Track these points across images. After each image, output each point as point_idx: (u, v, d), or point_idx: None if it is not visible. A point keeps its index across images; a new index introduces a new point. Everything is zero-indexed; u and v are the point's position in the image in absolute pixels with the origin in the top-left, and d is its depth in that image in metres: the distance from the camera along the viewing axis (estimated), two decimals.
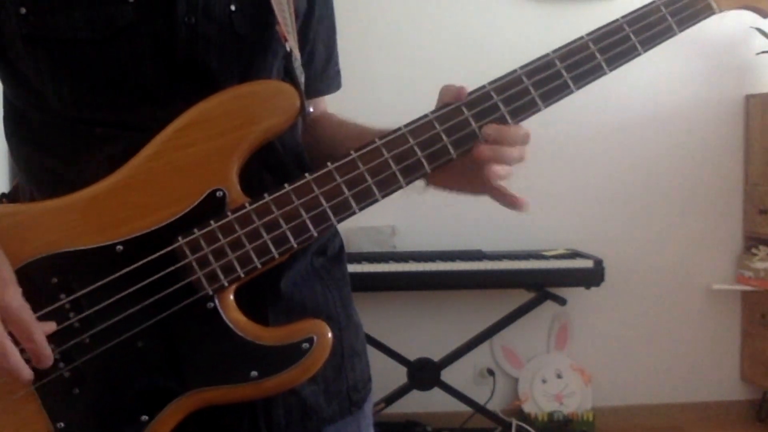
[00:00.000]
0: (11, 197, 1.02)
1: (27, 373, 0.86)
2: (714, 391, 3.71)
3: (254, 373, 0.90)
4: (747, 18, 4.05)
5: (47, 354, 0.87)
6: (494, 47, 3.43)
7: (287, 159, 1.02)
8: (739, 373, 3.73)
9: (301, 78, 1.00)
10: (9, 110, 1.02)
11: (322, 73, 1.15)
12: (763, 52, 3.54)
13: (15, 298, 0.86)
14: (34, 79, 0.96)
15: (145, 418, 0.89)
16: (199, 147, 0.92)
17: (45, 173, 0.98)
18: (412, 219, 3.44)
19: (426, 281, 3.21)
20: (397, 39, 3.49)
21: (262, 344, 0.91)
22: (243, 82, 0.96)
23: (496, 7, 3.54)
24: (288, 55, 0.99)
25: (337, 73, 1.18)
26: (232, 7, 0.96)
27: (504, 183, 0.99)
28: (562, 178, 3.58)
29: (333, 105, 1.21)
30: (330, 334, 0.92)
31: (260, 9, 0.98)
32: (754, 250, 3.59)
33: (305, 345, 0.91)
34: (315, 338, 0.91)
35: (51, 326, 0.88)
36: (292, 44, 0.99)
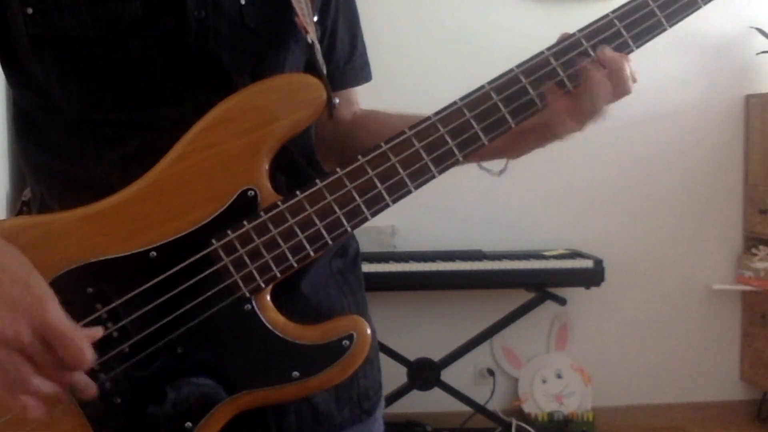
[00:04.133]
0: (29, 204, 1.01)
1: (92, 386, 0.84)
2: (714, 391, 3.71)
3: (296, 374, 0.89)
4: (747, 18, 4.05)
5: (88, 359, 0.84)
6: (494, 47, 3.43)
7: (299, 158, 1.01)
8: (739, 373, 3.73)
9: (324, 69, 0.98)
10: (17, 113, 1.01)
11: (347, 63, 1.12)
12: (763, 52, 3.54)
13: (59, 314, 0.81)
14: (42, 80, 0.95)
15: (189, 425, 0.88)
16: (226, 146, 0.90)
17: (55, 175, 0.97)
18: (412, 219, 3.43)
19: (426, 281, 3.21)
20: (397, 39, 3.48)
21: (301, 343, 0.90)
22: (254, 78, 0.95)
23: (497, 7, 3.54)
24: (310, 47, 0.97)
25: (365, 64, 1.15)
26: (243, 0, 0.95)
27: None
28: (562, 178, 3.58)
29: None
30: (369, 330, 0.91)
31: (273, 0, 0.97)
32: (754, 250, 3.59)
33: (345, 342, 0.90)
34: (354, 335, 0.90)
35: (98, 332, 0.85)
36: (312, 36, 0.97)
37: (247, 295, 0.89)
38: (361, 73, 1.15)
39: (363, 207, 0.91)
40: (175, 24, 0.93)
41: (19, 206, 1.02)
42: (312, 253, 0.90)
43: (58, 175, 0.97)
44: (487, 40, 3.49)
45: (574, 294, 3.41)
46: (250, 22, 0.96)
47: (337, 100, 0.96)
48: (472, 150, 0.94)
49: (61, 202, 0.94)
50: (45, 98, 0.96)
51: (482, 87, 0.94)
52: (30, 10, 0.92)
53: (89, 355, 0.83)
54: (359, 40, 1.14)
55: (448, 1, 3.52)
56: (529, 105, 0.95)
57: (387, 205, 0.92)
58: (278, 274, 0.90)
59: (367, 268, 3.12)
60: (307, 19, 0.97)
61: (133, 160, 0.92)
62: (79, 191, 0.92)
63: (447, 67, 3.43)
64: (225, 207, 0.90)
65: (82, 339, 0.83)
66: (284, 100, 0.92)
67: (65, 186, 0.96)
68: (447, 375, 3.33)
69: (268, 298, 0.91)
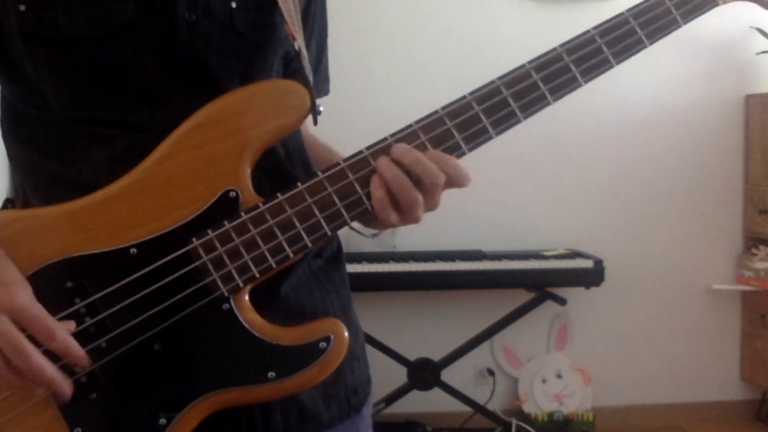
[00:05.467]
0: (14, 203, 1.01)
1: (51, 371, 0.85)
2: (714, 391, 3.71)
3: (272, 374, 0.90)
4: (747, 18, 4.04)
5: (77, 352, 0.86)
6: (494, 47, 3.43)
7: (288, 162, 1.01)
8: (739, 373, 3.73)
9: (310, 77, 0.99)
10: (7, 110, 1.01)
11: (312, 76, 1.13)
12: (763, 52, 3.54)
13: (26, 299, 0.84)
14: (33, 77, 0.95)
15: (163, 421, 0.89)
16: (210, 148, 0.91)
17: (42, 174, 0.97)
18: None
19: (426, 281, 3.21)
20: (397, 39, 3.49)
21: (278, 344, 0.90)
22: (244, 81, 0.96)
23: (496, 7, 3.54)
24: (297, 54, 0.98)
25: (326, 78, 1.17)
26: (234, 4, 0.96)
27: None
28: (562, 178, 3.58)
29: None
30: (346, 333, 0.92)
31: (263, 6, 0.98)
32: (754, 250, 3.59)
33: (322, 344, 0.90)
34: (332, 337, 0.91)
35: (71, 325, 0.87)
36: (300, 43, 0.98)
37: (225, 294, 0.90)
38: (323, 87, 1.16)
39: (343, 211, 0.92)
40: (166, 26, 0.93)
41: (3, 204, 1.02)
42: (291, 255, 0.91)
43: (45, 173, 0.97)
44: (486, 41, 3.49)
45: (574, 294, 3.41)
46: (240, 26, 0.96)
47: (321, 108, 0.97)
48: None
49: (46, 201, 0.94)
50: (35, 95, 0.96)
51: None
52: (23, 8, 0.92)
53: (61, 335, 0.84)
54: (325, 54, 1.15)
55: (446, 1, 3.52)
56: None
57: (366, 210, 0.92)
58: (257, 275, 0.90)
59: (367, 268, 3.14)
60: (296, 26, 0.98)
61: (120, 161, 0.92)
62: (66, 190, 0.93)
63: (446, 68, 3.43)
64: (206, 207, 0.91)
65: (53, 320, 0.85)
66: (270, 104, 0.93)
67: (51, 185, 0.96)
68: (447, 375, 3.33)
69: (247, 298, 0.91)
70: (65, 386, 0.86)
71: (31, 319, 0.84)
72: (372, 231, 1.02)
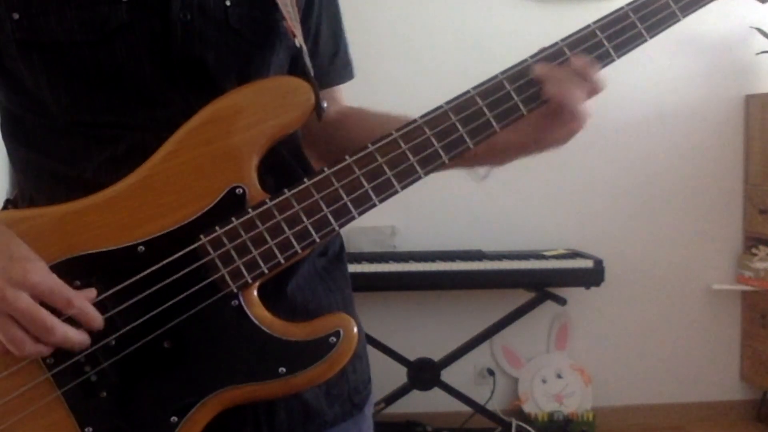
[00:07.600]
0: (15, 203, 1.02)
1: (81, 338, 0.85)
2: (714, 391, 3.71)
3: (282, 370, 0.90)
4: (747, 18, 4.03)
5: (94, 315, 0.86)
6: (494, 47, 3.43)
7: (291, 159, 1.02)
8: (739, 373, 3.73)
9: (311, 72, 1.00)
10: (6, 114, 1.02)
11: (330, 63, 1.14)
12: (763, 52, 3.54)
13: (40, 272, 0.84)
14: (30, 84, 0.95)
15: (174, 419, 0.89)
16: (216, 145, 0.92)
17: (44, 175, 0.98)
18: (412, 219, 3.43)
19: (426, 281, 3.21)
20: (397, 39, 3.49)
21: (288, 340, 0.91)
22: (241, 79, 0.96)
23: (496, 7, 3.54)
24: (298, 50, 0.99)
25: (348, 62, 1.17)
26: (228, 2, 0.96)
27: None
28: (562, 178, 3.58)
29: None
30: (356, 328, 0.92)
31: (258, 2, 0.98)
32: (754, 250, 3.59)
33: (332, 339, 0.91)
34: (341, 332, 0.91)
35: (91, 293, 0.87)
36: (300, 39, 0.99)
37: (234, 290, 0.90)
38: (344, 72, 1.17)
39: (350, 206, 0.92)
40: (160, 27, 0.93)
41: (3, 204, 1.02)
42: (300, 251, 0.91)
43: (48, 175, 0.97)
44: (486, 41, 3.49)
45: (574, 294, 3.41)
46: (235, 24, 0.97)
47: (326, 104, 0.97)
48: (457, 153, 0.95)
49: (50, 200, 0.94)
50: (34, 101, 0.96)
51: (467, 92, 0.96)
52: (16, 16, 0.92)
53: (78, 302, 0.84)
54: (341, 38, 1.16)
55: (447, 1, 3.52)
56: (512, 110, 0.96)
57: (374, 205, 0.93)
58: (266, 271, 0.91)
59: (367, 268, 3.14)
60: (294, 22, 0.98)
61: (123, 160, 0.93)
62: (69, 191, 0.93)
63: (446, 68, 3.43)
64: (214, 203, 0.91)
65: (69, 289, 0.85)
66: (274, 101, 0.93)
67: (54, 186, 0.96)
68: (447, 375, 3.33)
69: (255, 294, 0.92)
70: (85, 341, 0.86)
71: (49, 292, 0.84)
72: (483, 173, 1.03)
